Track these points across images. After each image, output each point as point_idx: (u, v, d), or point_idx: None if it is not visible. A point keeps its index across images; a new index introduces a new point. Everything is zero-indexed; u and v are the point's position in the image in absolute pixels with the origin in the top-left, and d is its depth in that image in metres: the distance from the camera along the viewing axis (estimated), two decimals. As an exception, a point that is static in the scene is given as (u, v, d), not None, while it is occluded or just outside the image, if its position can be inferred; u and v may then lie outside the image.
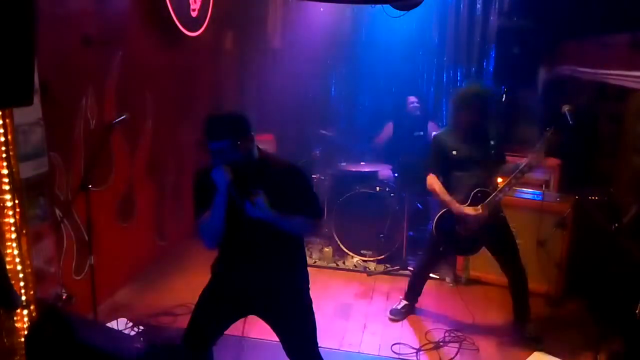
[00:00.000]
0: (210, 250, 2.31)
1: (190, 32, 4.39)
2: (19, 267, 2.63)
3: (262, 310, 2.36)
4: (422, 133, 5.03)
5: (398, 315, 3.68)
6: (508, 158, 3.41)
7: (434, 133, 3.88)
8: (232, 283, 2.33)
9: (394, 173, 4.96)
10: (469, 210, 3.18)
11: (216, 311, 2.35)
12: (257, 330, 3.13)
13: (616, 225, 2.88)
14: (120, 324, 3.29)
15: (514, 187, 3.25)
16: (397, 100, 5.41)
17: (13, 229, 2.60)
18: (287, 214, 2.17)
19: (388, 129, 5.28)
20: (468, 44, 5.48)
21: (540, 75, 5.00)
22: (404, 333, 3.51)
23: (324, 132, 5.19)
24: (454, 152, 3.26)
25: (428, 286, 3.79)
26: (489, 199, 3.18)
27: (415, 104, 5.16)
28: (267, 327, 2.40)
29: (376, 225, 4.60)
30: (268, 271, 2.29)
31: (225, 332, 2.45)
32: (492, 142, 3.28)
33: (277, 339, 2.39)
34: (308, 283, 2.42)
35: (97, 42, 3.39)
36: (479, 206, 3.18)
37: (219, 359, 2.54)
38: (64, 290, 3.05)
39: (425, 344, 3.35)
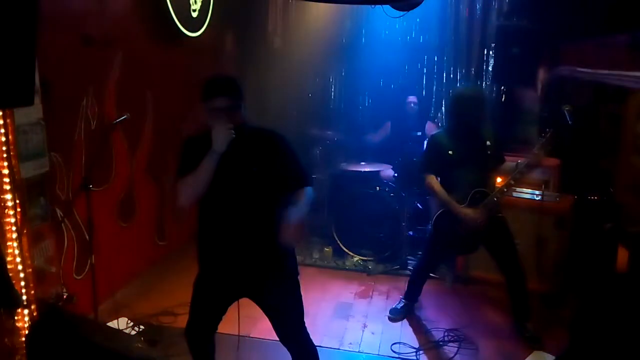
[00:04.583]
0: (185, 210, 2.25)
1: (191, 32, 4.40)
2: (19, 267, 2.64)
3: (252, 292, 2.35)
4: (419, 133, 5.04)
5: (398, 315, 3.68)
6: (507, 158, 3.42)
7: (431, 133, 3.90)
8: (221, 269, 2.31)
9: (394, 173, 4.96)
10: (467, 211, 3.19)
11: (210, 300, 2.36)
12: (257, 330, 3.15)
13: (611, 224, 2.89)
14: (121, 324, 3.30)
15: (513, 188, 3.26)
16: (397, 100, 5.42)
17: (14, 228, 2.61)
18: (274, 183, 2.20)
19: (386, 128, 5.29)
20: (468, 44, 5.49)
21: (540, 75, 5.00)
22: (404, 332, 3.52)
23: (316, 133, 5.22)
24: (450, 152, 3.27)
25: (428, 286, 3.79)
26: (486, 200, 3.18)
27: (414, 104, 5.18)
28: (267, 327, 2.41)
29: (376, 225, 4.61)
30: (255, 253, 2.26)
31: (225, 332, 2.46)
32: (488, 143, 3.29)
33: (277, 339, 2.40)
34: (296, 263, 2.41)
35: (97, 42, 3.40)
36: (478, 207, 3.19)
37: (219, 358, 2.55)
38: (64, 290, 3.05)
39: (425, 344, 3.36)
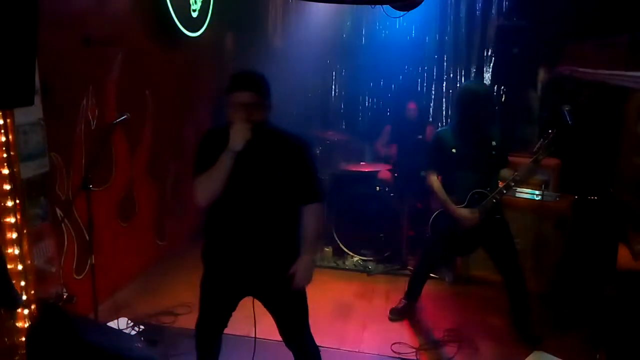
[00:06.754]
0: (201, 209, 2.23)
1: (191, 32, 4.40)
2: (19, 267, 2.64)
3: (256, 290, 2.36)
4: (420, 137, 5.03)
5: (398, 315, 3.68)
6: (508, 158, 3.41)
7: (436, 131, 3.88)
8: (226, 267, 2.31)
9: (394, 173, 4.96)
10: (463, 212, 3.18)
11: (219, 297, 2.36)
12: (258, 330, 3.14)
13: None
14: (121, 324, 3.30)
15: (513, 189, 3.24)
16: (397, 101, 5.42)
17: (14, 228, 2.61)
18: (284, 189, 2.19)
19: (386, 131, 5.29)
20: (468, 44, 5.49)
21: (540, 75, 5.01)
22: (404, 332, 3.52)
23: (316, 133, 5.22)
24: (454, 150, 3.24)
25: (428, 286, 3.79)
26: (484, 202, 3.17)
27: (414, 111, 5.18)
28: (269, 326, 2.41)
29: (376, 225, 4.61)
30: (261, 253, 2.25)
31: (227, 332, 2.46)
32: (493, 143, 3.26)
33: (280, 339, 2.41)
34: None
35: (97, 43, 3.40)
36: (476, 208, 3.18)
37: (222, 358, 2.55)
38: (64, 290, 3.05)
39: (425, 344, 3.36)
